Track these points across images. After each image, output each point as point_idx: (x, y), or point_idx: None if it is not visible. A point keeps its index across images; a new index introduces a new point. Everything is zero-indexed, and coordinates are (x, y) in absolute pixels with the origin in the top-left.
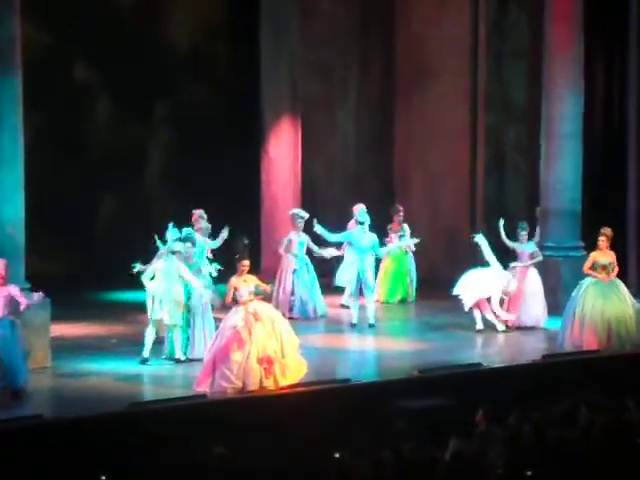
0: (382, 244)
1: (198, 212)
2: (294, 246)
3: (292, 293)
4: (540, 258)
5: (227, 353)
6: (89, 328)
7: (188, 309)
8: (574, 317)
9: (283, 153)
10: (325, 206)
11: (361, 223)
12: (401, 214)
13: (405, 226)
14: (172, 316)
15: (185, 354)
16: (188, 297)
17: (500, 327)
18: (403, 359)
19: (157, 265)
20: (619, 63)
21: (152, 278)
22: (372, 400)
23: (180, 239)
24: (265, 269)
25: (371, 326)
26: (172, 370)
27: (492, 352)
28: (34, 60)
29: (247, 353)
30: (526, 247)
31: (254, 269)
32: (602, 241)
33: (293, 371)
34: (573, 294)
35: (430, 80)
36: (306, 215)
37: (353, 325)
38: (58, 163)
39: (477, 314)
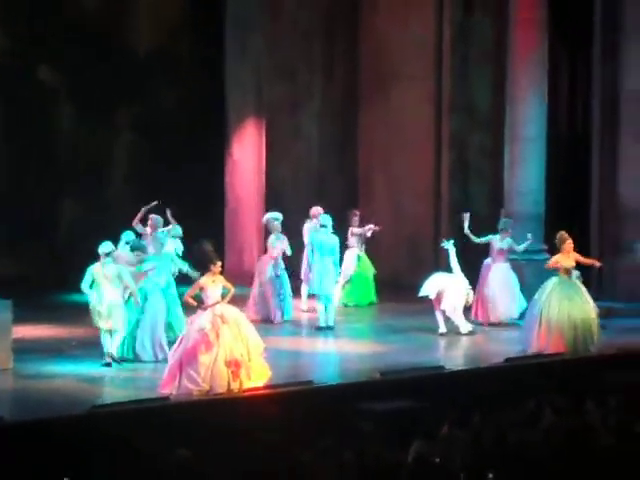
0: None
1: (153, 217)
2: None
3: (278, 295)
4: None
5: (195, 355)
6: (51, 330)
7: (142, 311)
8: (540, 320)
9: (247, 155)
10: (289, 209)
11: (324, 226)
12: (356, 218)
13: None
14: (116, 321)
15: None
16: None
17: (463, 330)
18: (365, 361)
19: (94, 271)
20: (583, 68)
21: (92, 286)
22: (335, 402)
23: (131, 248)
24: (228, 270)
25: (330, 328)
26: (136, 372)
27: (455, 355)
28: None
29: (215, 356)
30: (503, 243)
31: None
32: (570, 244)
33: (258, 375)
34: (536, 297)
35: (394, 83)
36: (280, 216)
37: (320, 328)
38: (22, 165)
39: (440, 317)
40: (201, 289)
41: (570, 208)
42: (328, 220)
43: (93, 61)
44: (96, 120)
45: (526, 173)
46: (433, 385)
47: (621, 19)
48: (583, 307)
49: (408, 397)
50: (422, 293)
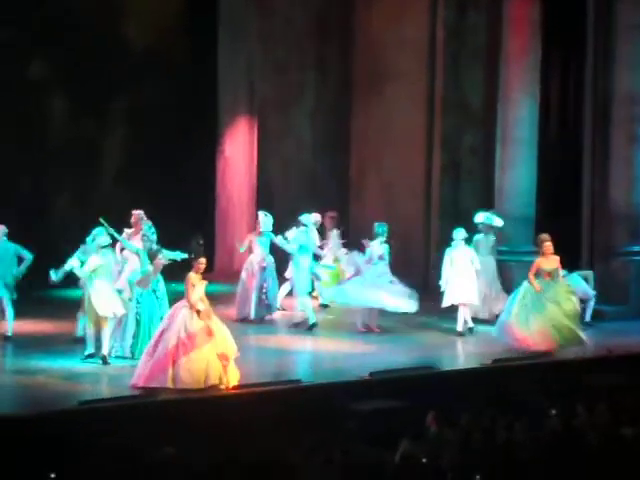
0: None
1: (137, 213)
2: (256, 246)
3: (263, 292)
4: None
5: (192, 347)
6: (39, 325)
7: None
8: (533, 321)
9: (239, 153)
10: (281, 206)
11: (306, 225)
12: (333, 218)
13: (335, 232)
14: (118, 308)
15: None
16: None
17: (458, 327)
18: (355, 361)
19: (95, 261)
20: (575, 70)
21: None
22: (323, 401)
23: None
24: (219, 269)
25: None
26: (122, 369)
27: (444, 355)
28: None
29: (210, 348)
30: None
31: (207, 269)
32: (548, 247)
33: (233, 374)
34: (519, 297)
35: (387, 83)
36: (269, 216)
37: (313, 325)
38: (12, 159)
39: (461, 315)
40: (192, 286)
41: (561, 210)
42: (310, 219)
43: (86, 56)
44: (88, 115)
45: (517, 174)
46: (422, 385)
47: (614, 21)
48: (574, 304)
49: (397, 397)
50: (447, 303)
